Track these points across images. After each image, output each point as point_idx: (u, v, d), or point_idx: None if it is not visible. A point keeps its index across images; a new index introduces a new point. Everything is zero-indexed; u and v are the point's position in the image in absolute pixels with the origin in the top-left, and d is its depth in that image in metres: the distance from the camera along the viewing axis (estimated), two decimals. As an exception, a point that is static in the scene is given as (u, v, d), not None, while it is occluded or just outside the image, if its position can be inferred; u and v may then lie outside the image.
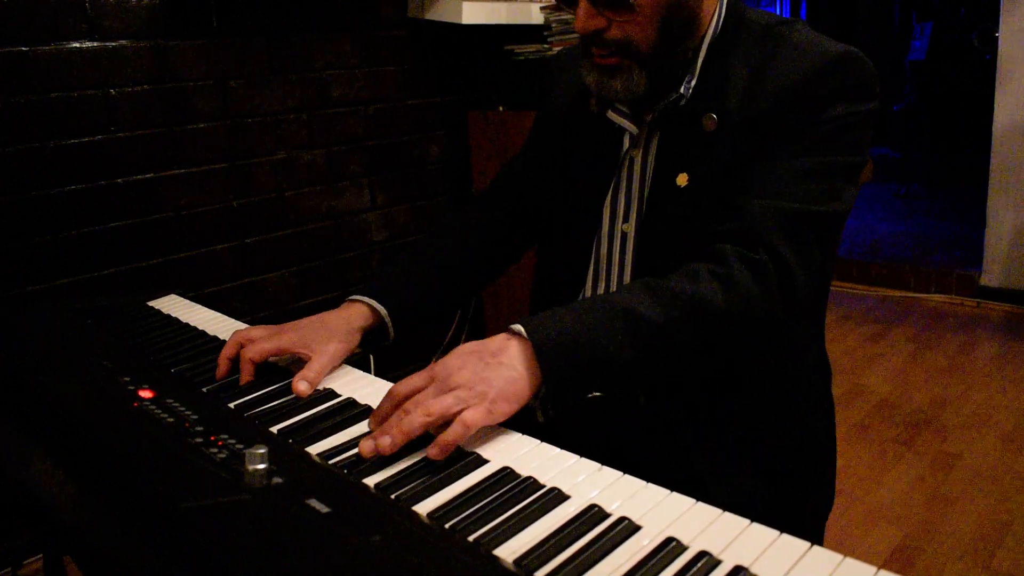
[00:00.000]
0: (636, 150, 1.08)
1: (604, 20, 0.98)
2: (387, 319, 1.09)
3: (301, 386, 0.96)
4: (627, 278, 1.10)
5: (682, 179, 1.02)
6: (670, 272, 0.95)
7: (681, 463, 1.03)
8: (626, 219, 1.10)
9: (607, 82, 1.01)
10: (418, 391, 0.84)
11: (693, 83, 1.02)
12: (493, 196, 1.28)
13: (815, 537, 1.13)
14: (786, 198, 0.94)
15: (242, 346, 1.02)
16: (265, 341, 1.01)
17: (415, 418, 0.80)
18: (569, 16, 2.50)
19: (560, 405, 0.88)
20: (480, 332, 2.99)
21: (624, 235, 1.10)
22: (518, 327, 0.87)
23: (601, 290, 1.12)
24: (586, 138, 1.14)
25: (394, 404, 0.84)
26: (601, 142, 1.12)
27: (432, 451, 0.79)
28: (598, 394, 0.88)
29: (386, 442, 0.80)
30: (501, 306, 2.87)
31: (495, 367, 0.85)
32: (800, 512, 1.10)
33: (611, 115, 1.09)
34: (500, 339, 0.88)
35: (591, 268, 1.13)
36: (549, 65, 1.27)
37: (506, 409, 0.84)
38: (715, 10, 1.03)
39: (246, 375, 0.99)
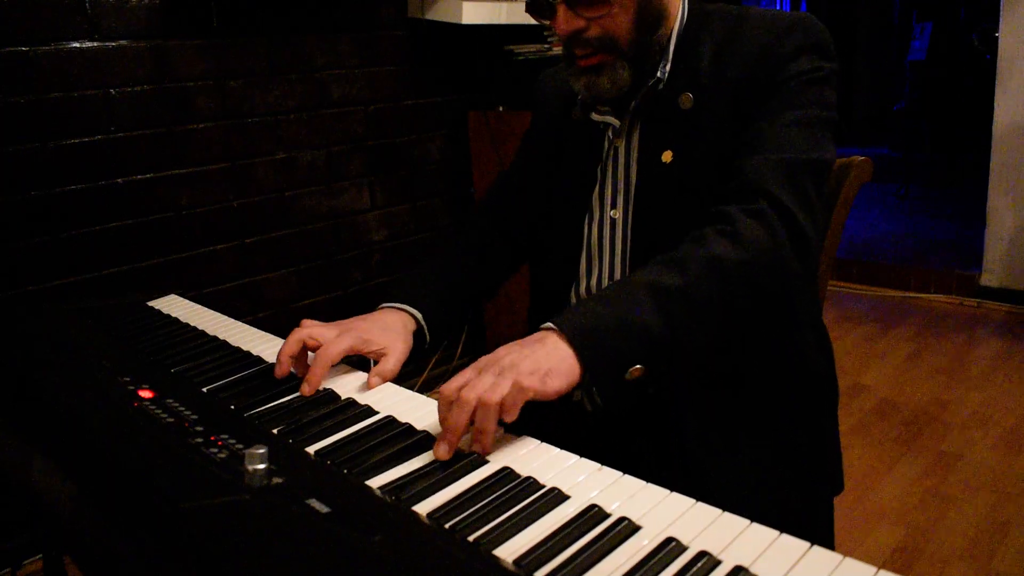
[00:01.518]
0: (620, 139, 1.12)
1: (583, 21, 1.03)
2: (423, 323, 1.12)
3: (374, 381, 0.99)
4: (619, 263, 1.13)
5: (667, 156, 1.07)
6: (668, 250, 0.97)
7: (685, 450, 1.04)
8: (614, 205, 1.13)
9: (595, 81, 1.06)
10: (468, 383, 0.84)
11: (668, 68, 1.08)
12: (491, 209, 1.31)
13: (826, 519, 1.15)
14: (775, 150, 0.98)
15: (307, 346, 1.01)
16: (336, 343, 1.01)
17: (484, 416, 0.81)
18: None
19: (604, 388, 0.89)
20: (480, 332, 2.99)
21: (613, 221, 1.13)
22: (548, 324, 0.89)
23: (595, 277, 1.15)
24: (572, 143, 1.19)
25: (448, 403, 0.84)
26: (586, 143, 1.16)
27: (504, 417, 0.81)
28: (639, 370, 0.88)
29: (477, 448, 0.81)
30: (500, 313, 2.87)
31: (541, 348, 0.86)
32: (809, 493, 1.11)
33: (595, 116, 1.14)
34: (536, 335, 0.90)
35: (583, 256, 1.16)
36: (534, 87, 1.32)
37: (557, 385, 0.84)
38: (679, 5, 1.10)
39: (317, 380, 0.98)
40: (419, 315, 1.12)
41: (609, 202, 1.14)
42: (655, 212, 1.08)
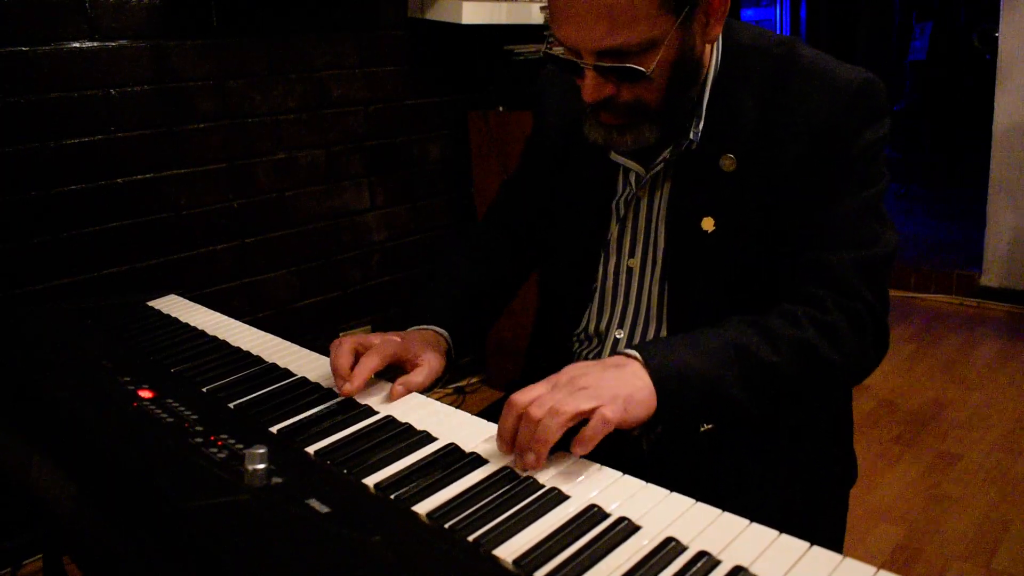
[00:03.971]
0: (643, 191, 1.06)
1: (613, 87, 0.93)
2: (449, 341, 1.11)
3: (398, 390, 0.97)
4: (631, 310, 1.09)
5: (707, 223, 1.00)
6: (699, 311, 0.98)
7: (698, 450, 1.03)
8: (632, 255, 1.09)
9: (616, 137, 0.98)
10: (540, 398, 0.80)
11: (701, 126, 1.00)
12: (497, 221, 1.28)
13: (839, 511, 1.14)
14: (859, 245, 0.95)
15: (357, 352, 1.00)
16: (381, 348, 0.99)
17: (550, 423, 0.77)
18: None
19: (672, 433, 0.90)
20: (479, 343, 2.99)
21: (630, 270, 1.09)
22: (633, 352, 0.87)
23: (605, 320, 1.11)
24: (581, 163, 1.12)
25: (517, 415, 0.80)
26: (598, 170, 1.10)
27: (576, 449, 0.79)
28: (709, 427, 0.91)
29: (531, 459, 0.78)
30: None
31: (620, 376, 0.84)
32: (823, 484, 1.10)
33: (614, 156, 1.07)
34: (618, 357, 0.87)
35: (595, 300, 1.12)
36: (539, 85, 1.24)
37: (638, 414, 0.82)
38: (714, 48, 1.01)
39: (360, 381, 0.96)
40: (444, 332, 1.11)
41: (628, 251, 1.09)
42: (689, 276, 1.03)
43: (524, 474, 0.78)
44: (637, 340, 1.08)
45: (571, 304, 1.14)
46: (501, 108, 2.72)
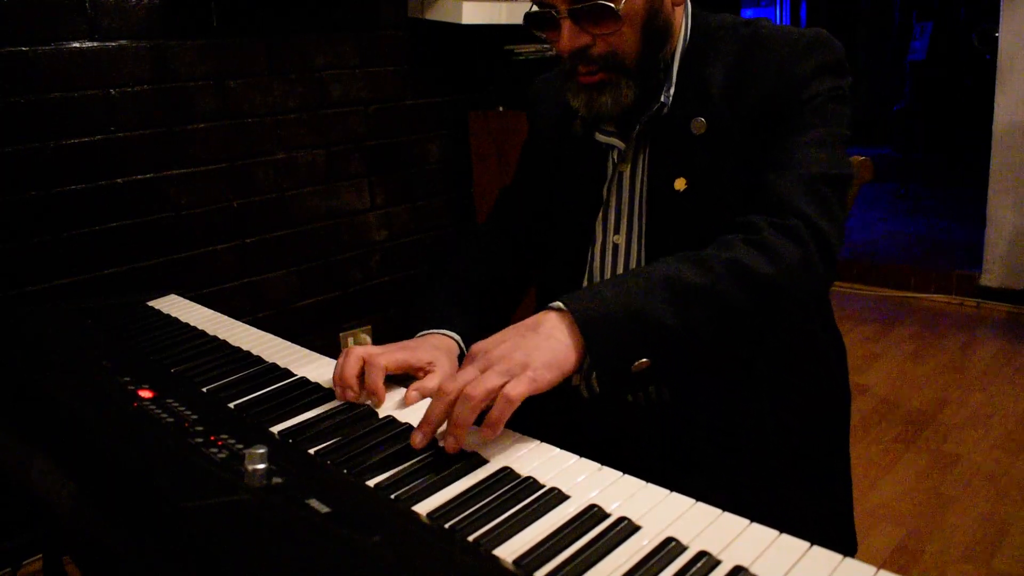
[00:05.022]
0: (624, 164, 1.10)
1: (589, 37, 0.99)
2: (461, 344, 1.11)
3: (413, 395, 0.96)
4: None
5: (680, 183, 1.04)
6: None
7: (697, 452, 1.04)
8: (617, 231, 1.12)
9: (596, 99, 1.02)
10: (467, 382, 0.82)
11: (672, 91, 1.05)
12: (498, 225, 1.29)
13: (846, 520, 1.13)
14: (801, 166, 0.97)
15: (364, 361, 0.98)
16: (388, 354, 0.98)
17: (461, 409, 0.79)
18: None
19: (606, 376, 0.87)
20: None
21: (616, 247, 1.12)
22: (556, 303, 0.87)
23: None
24: (573, 160, 1.16)
25: (448, 403, 0.81)
26: (588, 162, 1.13)
27: (485, 432, 0.80)
28: (645, 362, 0.87)
29: (450, 442, 0.80)
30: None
31: (533, 337, 0.84)
32: (823, 492, 1.10)
33: (599, 136, 1.12)
34: (538, 315, 0.88)
35: (585, 280, 1.15)
36: (532, 91, 1.28)
37: (550, 377, 0.82)
38: (682, 21, 1.07)
39: (375, 386, 0.95)
40: (457, 338, 1.10)
41: (612, 227, 1.12)
42: (667, 240, 1.05)
43: (524, 473, 0.78)
44: None
45: (563, 288, 1.15)
46: (501, 108, 2.72)
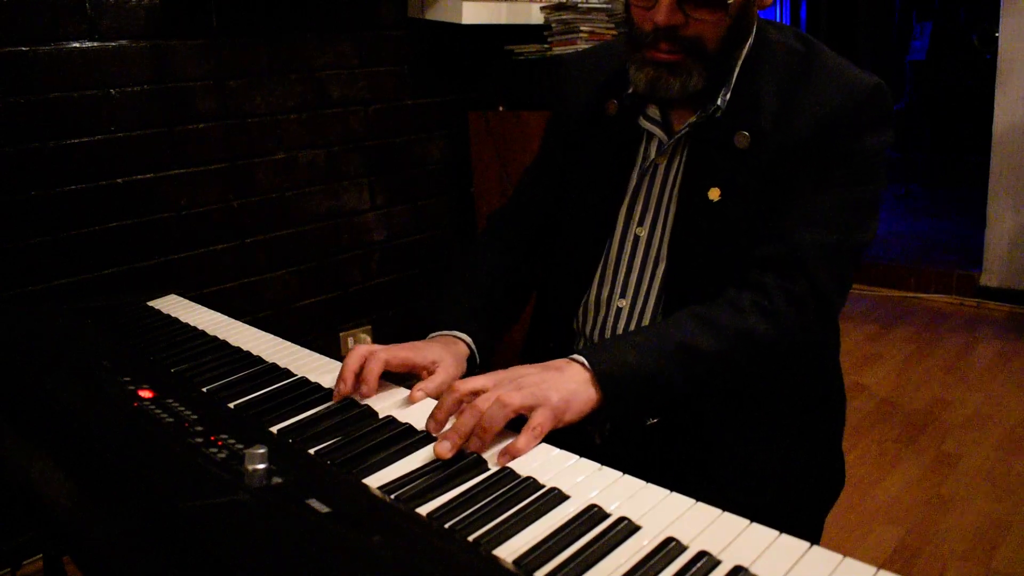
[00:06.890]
0: (662, 158, 1.09)
1: (683, 17, 0.97)
2: (472, 347, 1.11)
3: (417, 395, 0.97)
4: (635, 280, 1.11)
5: (714, 193, 1.04)
6: (697, 283, 1.03)
7: (691, 445, 1.05)
8: (641, 223, 1.11)
9: (665, 78, 1.00)
10: (483, 390, 0.86)
11: (728, 96, 1.04)
12: (518, 210, 1.28)
13: (819, 518, 1.17)
14: (827, 230, 0.99)
15: (368, 355, 0.99)
16: (391, 350, 1.00)
17: (496, 412, 0.82)
18: (570, 16, 2.50)
19: (620, 429, 0.95)
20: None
21: (637, 238, 1.11)
22: (579, 356, 0.92)
23: (607, 291, 1.13)
24: (602, 142, 1.14)
25: (457, 400, 0.86)
26: (619, 146, 1.12)
27: (503, 459, 0.81)
28: (655, 420, 0.97)
29: (475, 444, 0.82)
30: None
31: (560, 378, 0.89)
32: (810, 492, 1.12)
33: (642, 122, 1.10)
34: (561, 360, 0.92)
35: (599, 269, 1.14)
36: (563, 69, 1.25)
37: (570, 419, 0.87)
38: (752, 31, 1.06)
39: (373, 380, 0.96)
40: (470, 340, 1.10)
41: (637, 219, 1.11)
42: (691, 243, 1.06)
43: (524, 474, 0.78)
44: (639, 311, 1.11)
45: (576, 273, 1.16)
46: (501, 108, 2.72)
